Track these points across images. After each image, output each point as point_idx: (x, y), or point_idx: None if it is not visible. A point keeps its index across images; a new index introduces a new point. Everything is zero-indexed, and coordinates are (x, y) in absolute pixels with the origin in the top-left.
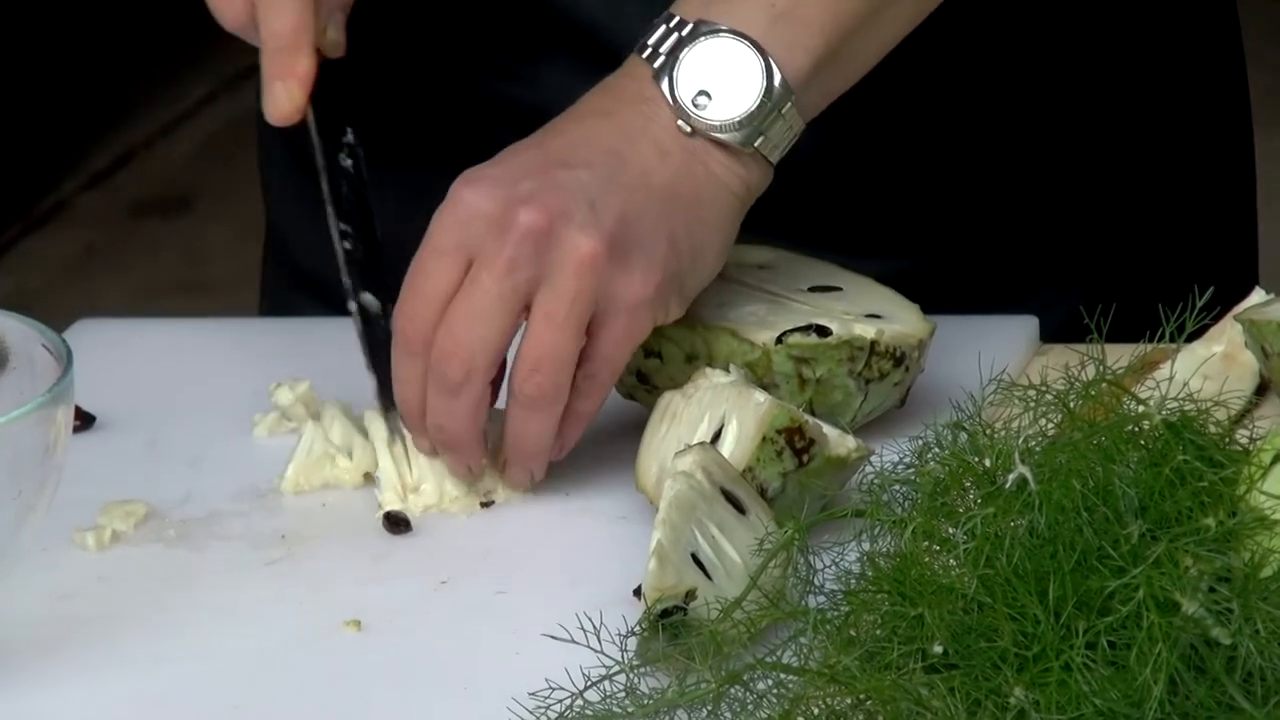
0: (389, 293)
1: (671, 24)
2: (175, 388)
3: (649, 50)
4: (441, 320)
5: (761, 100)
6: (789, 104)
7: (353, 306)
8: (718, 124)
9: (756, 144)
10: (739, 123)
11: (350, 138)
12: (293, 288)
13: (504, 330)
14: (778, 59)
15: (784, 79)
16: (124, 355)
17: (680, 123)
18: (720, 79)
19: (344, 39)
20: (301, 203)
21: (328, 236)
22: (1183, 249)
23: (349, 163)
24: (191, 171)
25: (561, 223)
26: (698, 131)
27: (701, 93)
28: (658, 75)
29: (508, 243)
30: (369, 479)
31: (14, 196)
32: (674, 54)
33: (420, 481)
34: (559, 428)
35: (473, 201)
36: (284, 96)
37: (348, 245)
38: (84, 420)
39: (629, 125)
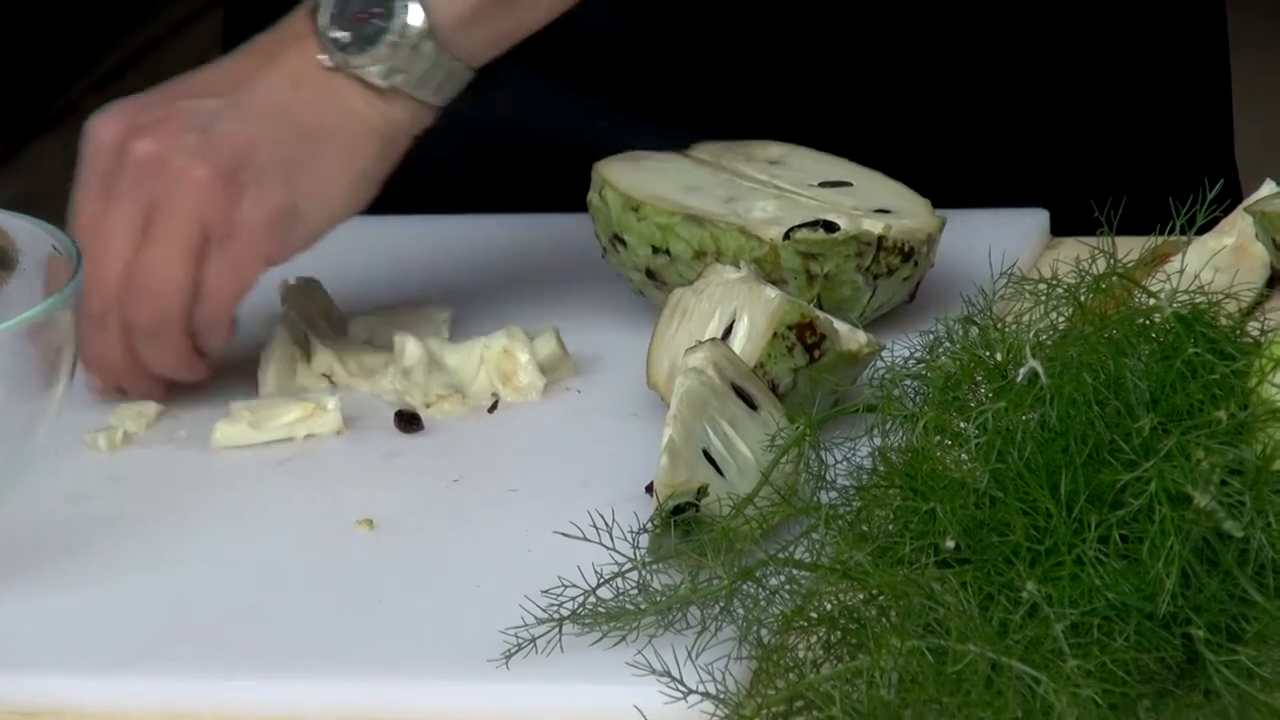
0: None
1: None
2: None
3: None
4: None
5: (396, 34)
6: (428, 43)
7: None
8: (356, 62)
9: (395, 81)
10: (374, 57)
11: None
12: None
13: (125, 258)
14: (430, 2)
15: (427, 20)
16: None
17: (322, 56)
18: (366, 17)
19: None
20: None
21: None
22: (1185, 142)
23: None
24: None
25: (170, 150)
26: (338, 66)
27: (347, 28)
28: (314, 11)
29: (125, 171)
30: (330, 380)
31: (24, 98)
32: None
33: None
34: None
35: (99, 132)
36: None
37: None
38: None
39: (271, 56)
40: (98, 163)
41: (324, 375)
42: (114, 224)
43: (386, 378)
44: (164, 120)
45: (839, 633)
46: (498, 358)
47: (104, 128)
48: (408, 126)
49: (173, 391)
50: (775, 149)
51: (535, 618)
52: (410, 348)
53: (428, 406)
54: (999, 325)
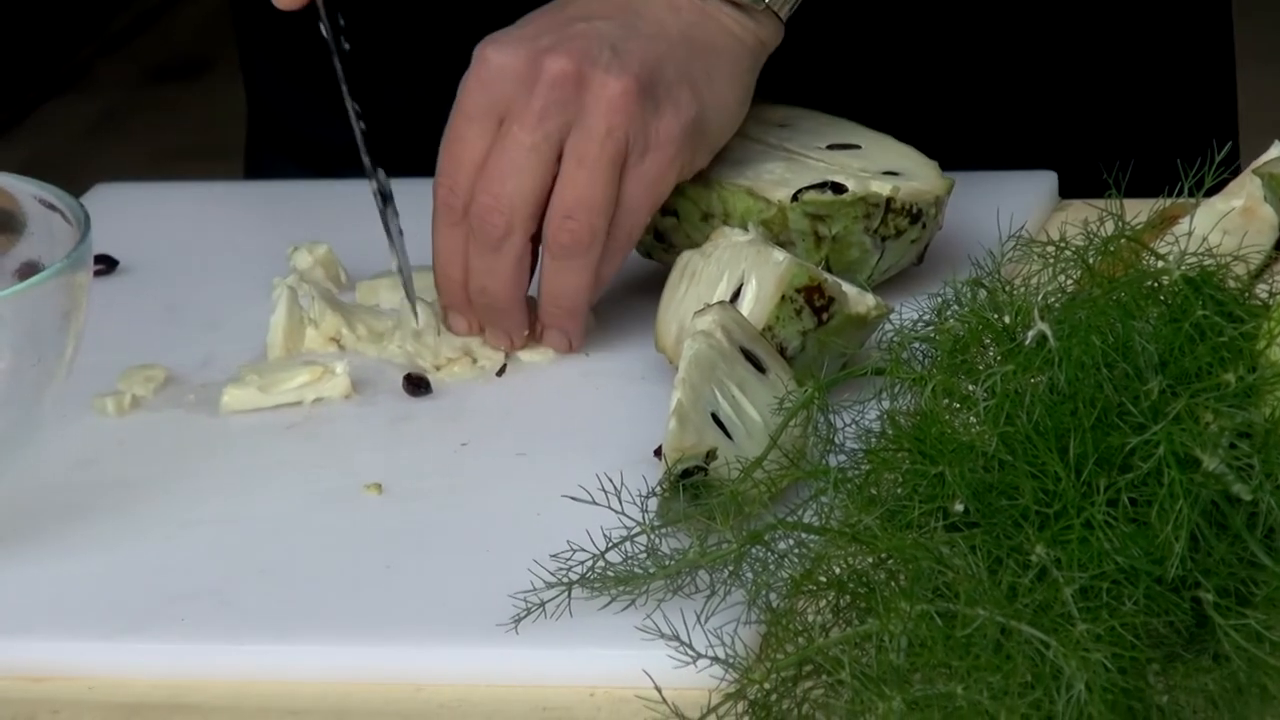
0: (407, 166)
1: None
2: (193, 251)
3: None
4: (478, 180)
5: None
6: None
7: (372, 187)
8: None
9: (768, 1)
10: None
11: (342, 22)
12: (274, 151)
13: (540, 180)
14: None
15: None
16: (142, 219)
17: None
18: None
19: None
20: (281, 64)
21: (311, 99)
22: (1193, 104)
23: (348, 46)
24: (209, 35)
25: (588, 66)
26: None
27: None
28: None
29: (537, 93)
30: (338, 344)
31: (32, 62)
32: None
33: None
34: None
35: (496, 60)
36: None
37: (363, 125)
38: (107, 264)
39: None
40: (495, 89)
41: (332, 339)
42: (528, 146)
43: (395, 341)
44: (570, 39)
45: (848, 597)
46: None
47: (503, 55)
48: (769, 44)
49: (526, 339)
50: (783, 111)
51: (544, 582)
52: (421, 310)
53: (437, 369)
54: (1007, 288)
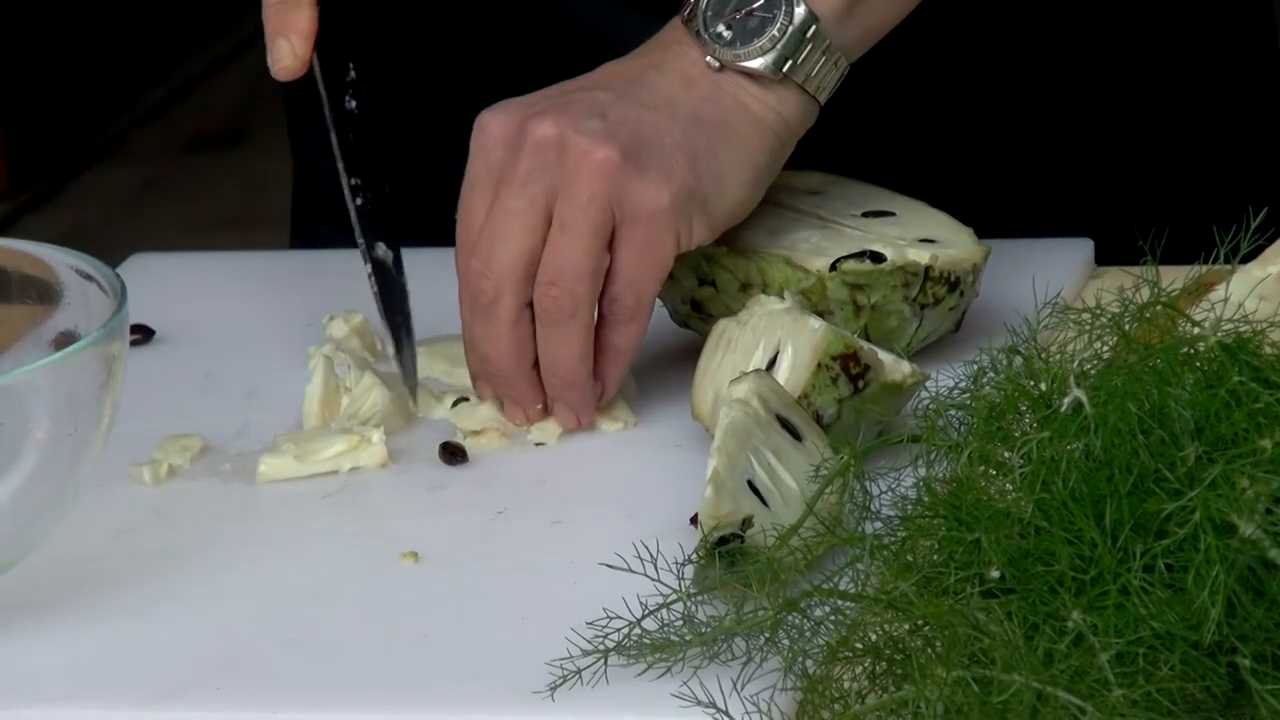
0: (401, 240)
1: None
2: (230, 321)
3: (686, 9)
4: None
5: (783, 23)
6: (813, 28)
7: (367, 267)
8: (742, 52)
9: (785, 70)
10: (762, 49)
11: (352, 75)
12: (319, 220)
13: (526, 245)
14: None
15: (808, 7)
16: (179, 289)
17: (709, 58)
18: (746, 14)
19: None
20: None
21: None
22: (1229, 170)
23: (353, 104)
24: (246, 105)
25: (572, 132)
26: (725, 65)
27: (729, 27)
28: (687, 20)
29: (522, 158)
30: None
31: (72, 132)
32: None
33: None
34: (599, 368)
35: (491, 126)
36: (286, 52)
37: (359, 201)
38: (144, 334)
39: (657, 60)
40: (490, 156)
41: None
42: (513, 211)
43: (435, 409)
44: (561, 107)
45: (884, 663)
46: None
47: (496, 121)
48: (797, 124)
49: (545, 412)
50: (815, 178)
51: (580, 649)
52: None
53: (477, 434)
54: (1043, 355)
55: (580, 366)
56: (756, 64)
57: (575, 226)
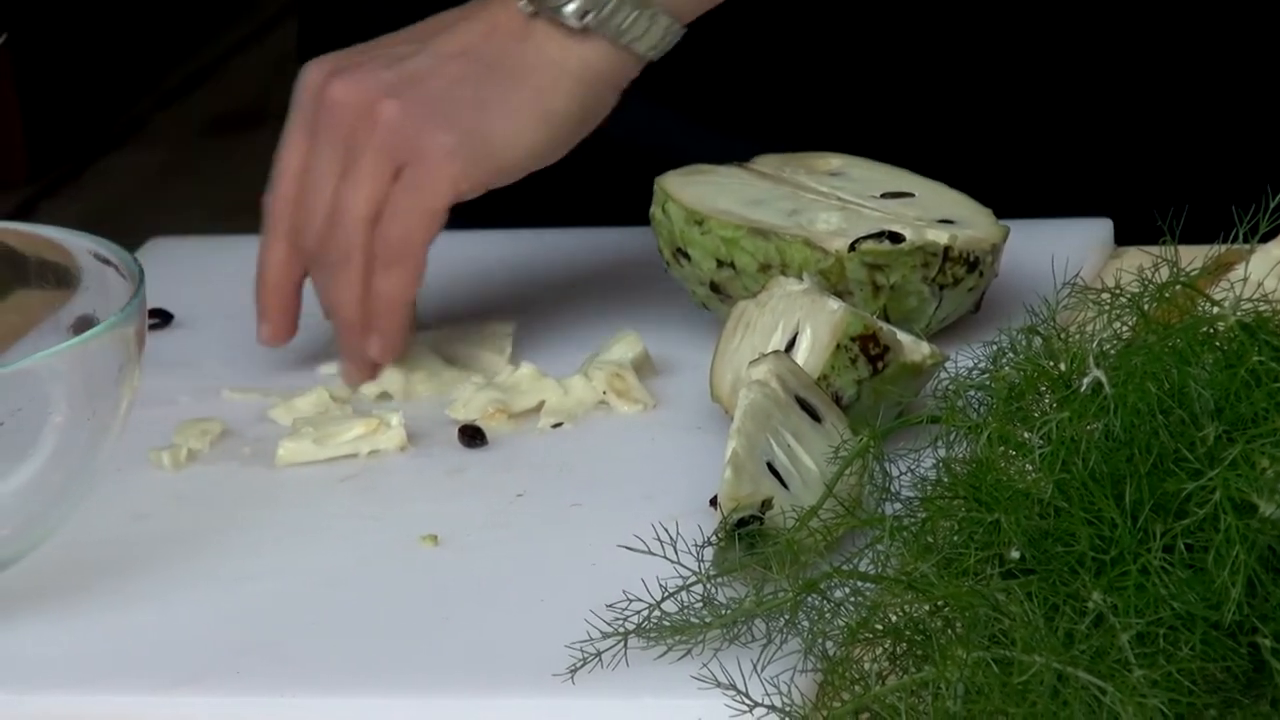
0: None
1: None
2: (248, 305)
3: None
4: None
5: None
6: None
7: None
8: (552, 3)
9: (585, 21)
10: None
11: None
12: None
13: (328, 196)
14: None
15: None
16: (197, 273)
17: (521, 3)
18: None
19: None
20: None
21: None
22: (1248, 150)
23: None
24: (266, 89)
25: (363, 90)
26: (537, 10)
27: None
28: None
29: (321, 112)
30: (385, 397)
31: (91, 116)
32: None
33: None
34: (373, 319)
35: (304, 78)
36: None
37: None
38: (162, 318)
39: (475, 10)
40: (303, 108)
41: (387, 391)
42: (317, 166)
43: (458, 392)
44: (360, 64)
45: (904, 644)
46: (609, 377)
47: (309, 73)
48: (607, 74)
49: (377, 369)
50: (835, 160)
51: (600, 632)
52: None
53: (493, 414)
54: (1062, 335)
55: (359, 309)
56: (563, 13)
57: (353, 174)
